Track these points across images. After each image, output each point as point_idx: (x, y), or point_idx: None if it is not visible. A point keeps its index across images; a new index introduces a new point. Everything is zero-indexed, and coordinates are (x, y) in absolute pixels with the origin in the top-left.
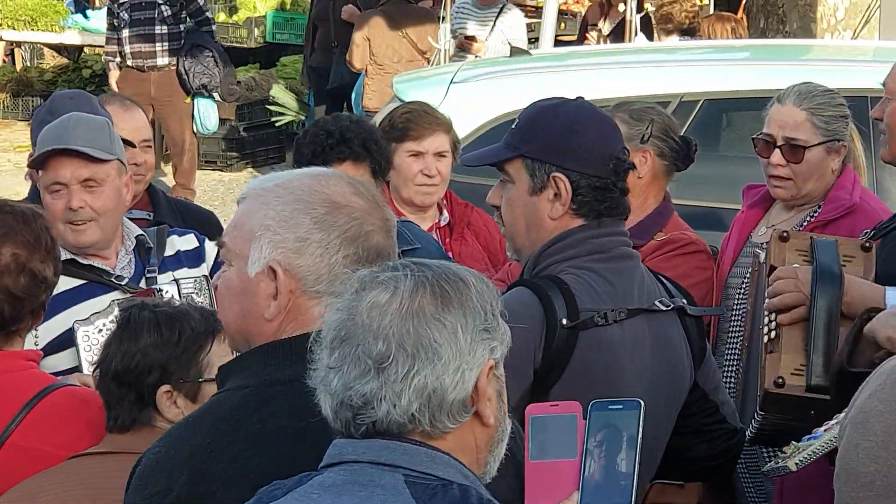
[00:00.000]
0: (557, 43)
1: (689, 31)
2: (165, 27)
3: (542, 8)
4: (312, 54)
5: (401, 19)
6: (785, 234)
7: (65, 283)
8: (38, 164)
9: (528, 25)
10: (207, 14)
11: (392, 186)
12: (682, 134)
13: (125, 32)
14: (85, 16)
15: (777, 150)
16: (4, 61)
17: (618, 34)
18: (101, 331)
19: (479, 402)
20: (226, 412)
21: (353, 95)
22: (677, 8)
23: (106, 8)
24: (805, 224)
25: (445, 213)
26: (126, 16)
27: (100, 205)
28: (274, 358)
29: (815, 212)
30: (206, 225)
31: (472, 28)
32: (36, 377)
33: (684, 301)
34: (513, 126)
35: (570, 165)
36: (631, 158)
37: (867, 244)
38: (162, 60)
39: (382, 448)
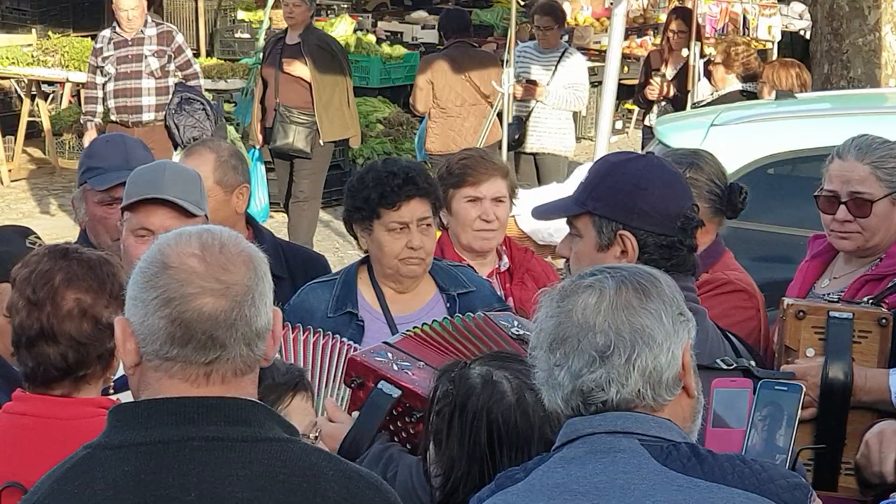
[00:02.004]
0: (620, 87)
1: (749, 78)
2: (153, 81)
3: (605, 52)
4: (265, 114)
5: (464, 62)
6: (801, 313)
7: None
8: (128, 205)
9: (591, 69)
10: (196, 67)
11: (451, 233)
12: (734, 182)
13: (110, 86)
14: None
15: (842, 206)
16: (71, 102)
17: (681, 79)
18: None
19: (686, 377)
20: (61, 472)
21: (415, 139)
22: (753, 57)
23: (89, 64)
24: (863, 275)
25: (505, 259)
26: (112, 69)
27: None
28: (117, 420)
29: (875, 264)
30: (311, 269)
31: (535, 71)
32: (101, 425)
33: (752, 363)
34: (582, 181)
35: (638, 223)
36: None
37: (884, 319)
38: (147, 116)
39: (616, 418)
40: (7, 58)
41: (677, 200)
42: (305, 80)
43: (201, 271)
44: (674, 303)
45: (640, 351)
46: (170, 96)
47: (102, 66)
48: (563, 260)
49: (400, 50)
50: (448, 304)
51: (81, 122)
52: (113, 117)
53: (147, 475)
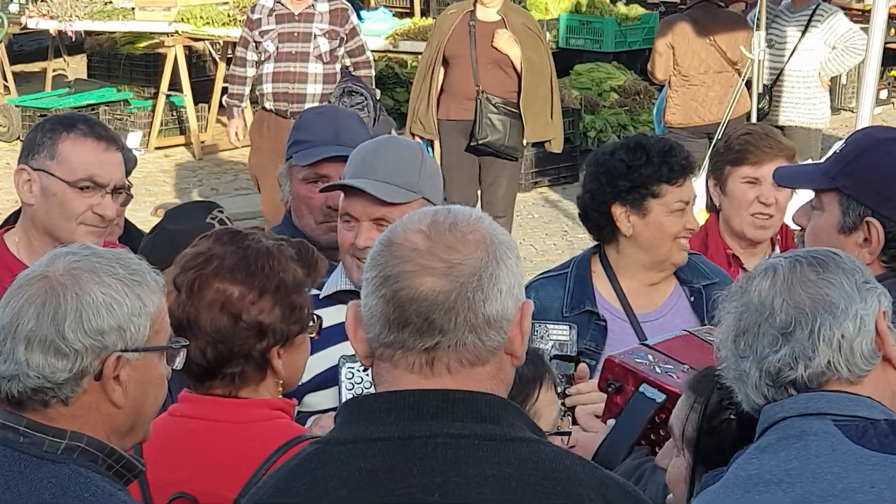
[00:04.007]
0: (886, 51)
1: None
2: (321, 65)
3: (868, 11)
4: (440, 104)
5: (709, 25)
6: None
7: (340, 316)
8: (333, 189)
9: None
10: (368, 55)
11: (722, 217)
12: None
13: (268, 67)
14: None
15: None
16: None
17: None
18: (367, 369)
19: (886, 346)
20: (289, 469)
21: (653, 110)
22: None
23: (241, 36)
24: None
25: (777, 250)
26: (272, 47)
27: None
28: (350, 414)
29: None
30: None
31: (789, 33)
32: (275, 430)
33: None
34: (837, 149)
35: (890, 213)
36: None
37: None
38: (310, 106)
39: (807, 400)
40: (201, 17)
41: None
42: (509, 66)
43: (424, 249)
44: (857, 272)
45: (822, 321)
46: (335, 85)
47: (259, 42)
48: (798, 229)
49: (637, 10)
50: (692, 298)
51: (225, 104)
52: (267, 104)
53: (385, 473)
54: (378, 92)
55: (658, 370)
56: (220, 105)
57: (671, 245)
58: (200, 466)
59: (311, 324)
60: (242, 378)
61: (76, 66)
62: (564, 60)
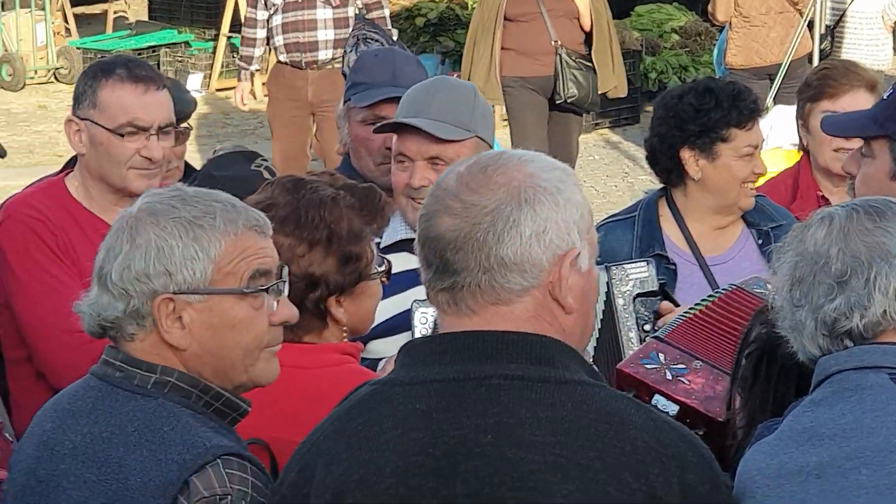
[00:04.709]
0: None
1: None
2: (330, 10)
3: None
4: (505, 63)
5: None
6: None
7: (406, 263)
8: (387, 129)
9: None
10: None
11: (811, 155)
12: None
13: (277, 19)
14: None
15: None
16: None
17: None
18: None
19: None
20: (345, 410)
21: (714, 52)
22: None
23: None
24: None
25: None
26: None
27: None
28: (408, 357)
29: None
30: None
31: None
32: (346, 375)
33: None
34: (885, 96)
35: None
36: None
37: None
38: (324, 54)
39: (862, 353)
40: None
41: None
42: (574, 17)
43: (451, 189)
44: None
45: (878, 269)
46: (349, 30)
47: None
48: (847, 178)
49: None
50: (760, 241)
51: (237, 67)
52: (282, 57)
53: (439, 414)
54: (395, 32)
55: (669, 376)
56: None
57: (739, 189)
58: (273, 412)
59: (378, 269)
60: (300, 326)
61: (137, 8)
62: (625, 1)
